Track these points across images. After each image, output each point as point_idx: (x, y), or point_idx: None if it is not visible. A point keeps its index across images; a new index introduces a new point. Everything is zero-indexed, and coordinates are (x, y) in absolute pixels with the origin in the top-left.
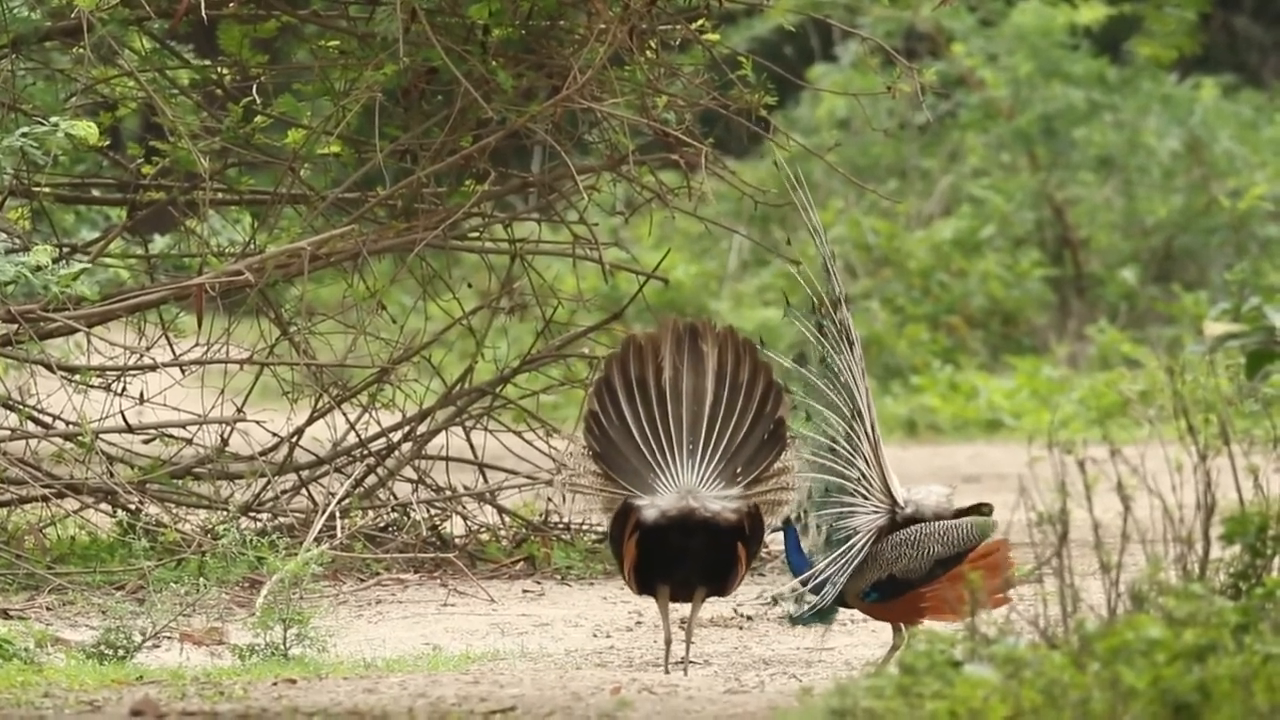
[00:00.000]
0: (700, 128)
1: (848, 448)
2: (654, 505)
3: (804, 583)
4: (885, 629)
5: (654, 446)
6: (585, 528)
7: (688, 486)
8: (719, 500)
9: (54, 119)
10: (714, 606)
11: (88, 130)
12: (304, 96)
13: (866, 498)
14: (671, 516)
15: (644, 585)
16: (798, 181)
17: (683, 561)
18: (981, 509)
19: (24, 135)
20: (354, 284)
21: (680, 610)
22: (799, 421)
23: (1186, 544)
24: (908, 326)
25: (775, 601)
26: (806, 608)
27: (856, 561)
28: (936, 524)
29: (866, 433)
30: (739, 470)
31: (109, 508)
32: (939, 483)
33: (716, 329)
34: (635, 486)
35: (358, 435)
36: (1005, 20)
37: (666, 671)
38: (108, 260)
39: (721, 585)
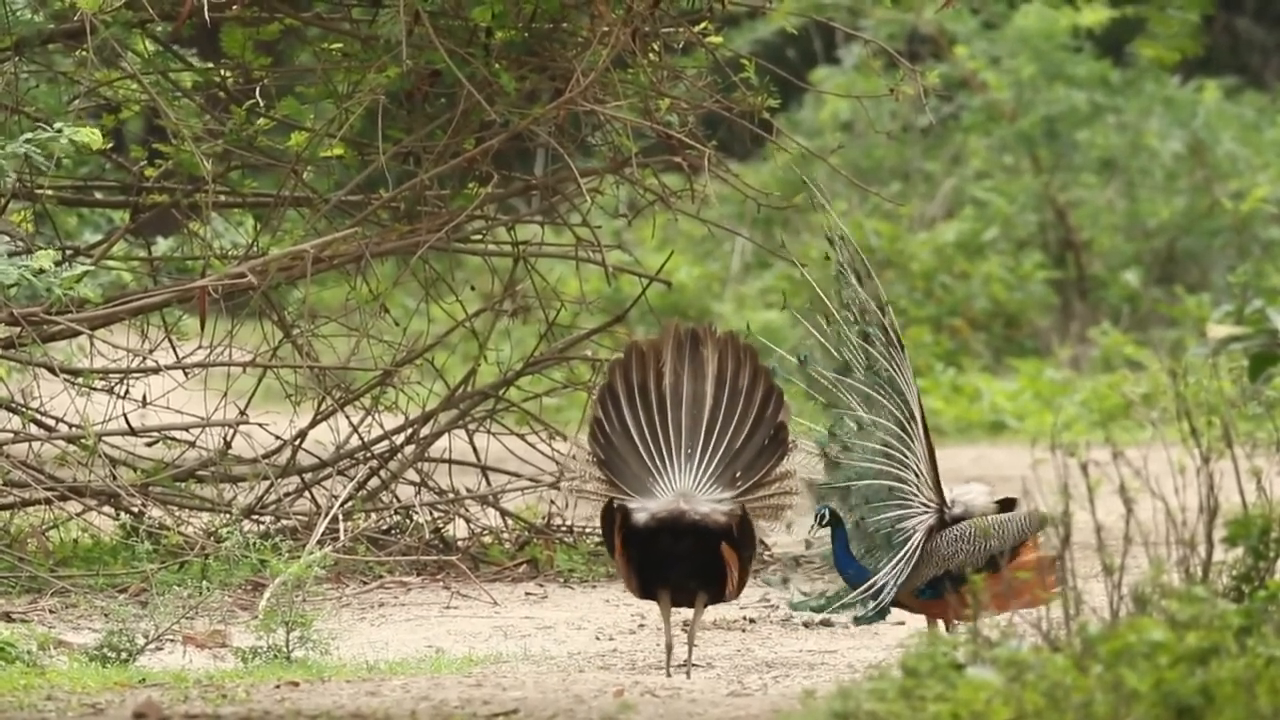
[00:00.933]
0: (703, 130)
1: (902, 450)
2: (644, 508)
3: (866, 590)
4: (889, 631)
5: (653, 451)
6: (588, 531)
7: (684, 490)
8: (710, 503)
9: (58, 125)
10: (717, 609)
11: (91, 137)
12: (307, 99)
13: (918, 497)
14: (661, 519)
15: (645, 589)
16: (819, 190)
17: (675, 564)
18: (1006, 504)
19: (28, 141)
20: (357, 287)
21: (683, 614)
22: (843, 428)
23: (1189, 546)
24: (911, 329)
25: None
26: (870, 608)
27: (915, 560)
28: (991, 520)
29: (920, 435)
30: (738, 474)
31: (112, 510)
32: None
33: (717, 334)
34: (636, 491)
35: (360, 438)
36: (1008, 23)
37: (668, 674)
38: (110, 263)
39: (719, 589)
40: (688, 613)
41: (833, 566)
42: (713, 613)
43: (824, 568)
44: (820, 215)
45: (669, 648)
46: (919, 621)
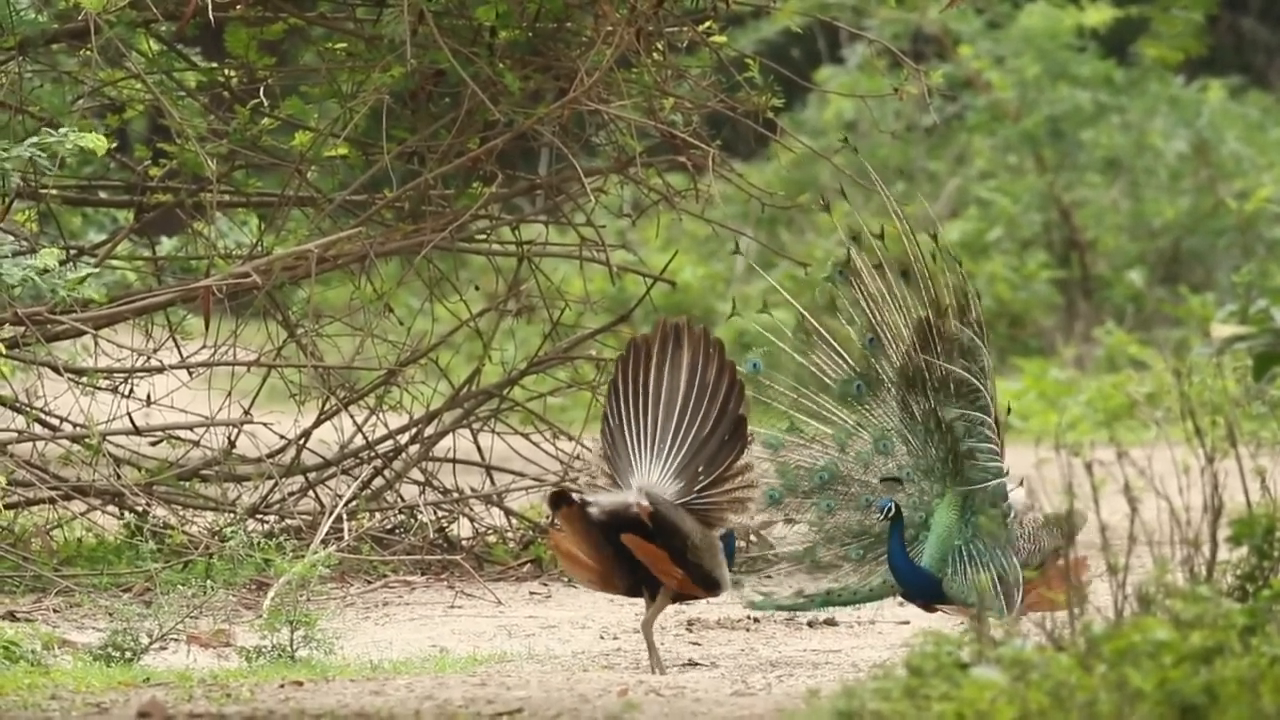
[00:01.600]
0: (707, 130)
1: (996, 440)
2: (596, 503)
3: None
4: (894, 631)
5: (634, 445)
6: None
7: (648, 483)
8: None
9: (63, 129)
10: (721, 608)
11: (97, 143)
12: (311, 99)
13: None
14: (609, 513)
15: (629, 587)
16: (882, 190)
17: (625, 559)
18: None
19: (33, 145)
20: (361, 286)
21: (686, 612)
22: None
23: (1193, 546)
24: None
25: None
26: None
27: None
28: (1041, 518)
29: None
30: (701, 469)
31: (116, 510)
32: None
33: (693, 329)
34: (624, 484)
35: (365, 437)
36: (1012, 22)
37: (652, 672)
38: (115, 262)
39: (680, 584)
40: (692, 610)
41: (887, 562)
42: (716, 611)
43: (787, 568)
44: (826, 215)
45: (650, 647)
46: (924, 621)
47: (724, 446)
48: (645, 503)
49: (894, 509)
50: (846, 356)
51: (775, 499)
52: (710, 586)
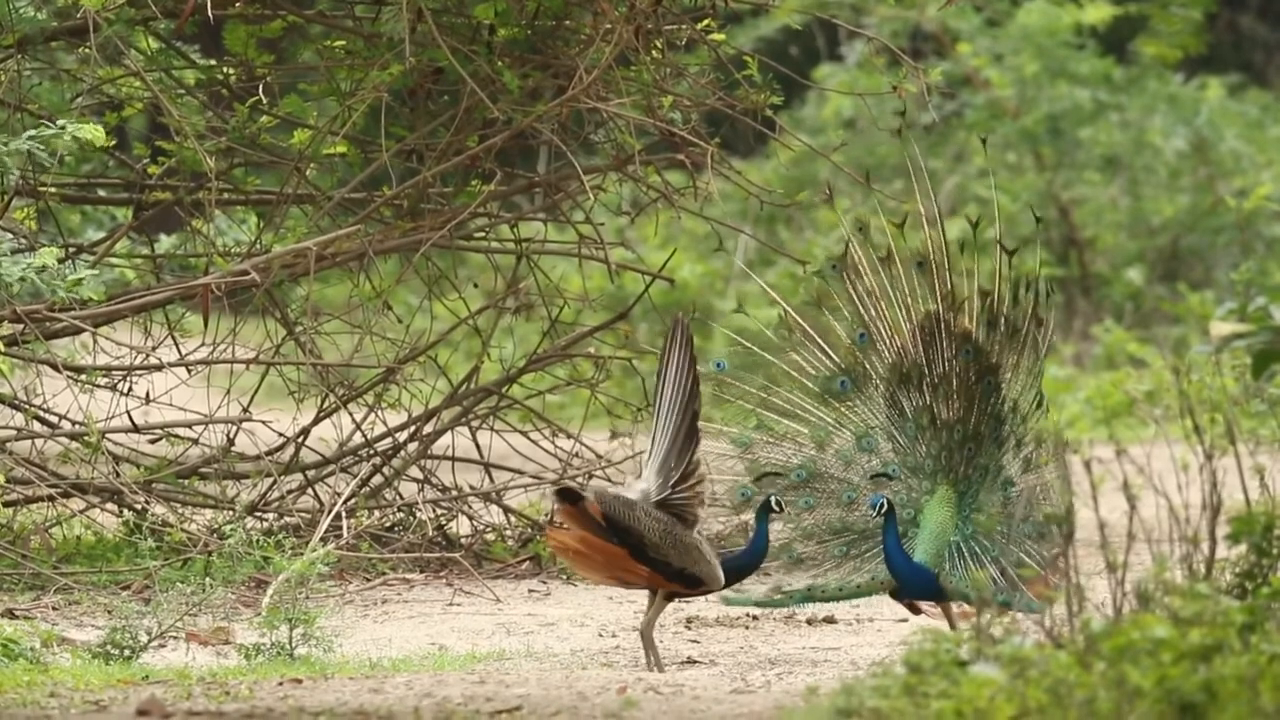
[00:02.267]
0: (706, 127)
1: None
2: (592, 498)
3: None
4: (893, 628)
5: (649, 439)
6: None
7: (642, 479)
8: (637, 492)
9: (61, 122)
10: (721, 605)
11: (95, 134)
12: (310, 96)
13: None
14: (598, 508)
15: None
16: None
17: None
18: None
19: (31, 138)
20: (360, 284)
21: (686, 609)
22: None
23: (1192, 543)
24: None
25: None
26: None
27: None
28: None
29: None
30: (673, 463)
31: (115, 507)
32: None
33: (682, 322)
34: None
35: (364, 435)
36: (1011, 20)
37: (650, 670)
38: (114, 260)
39: (658, 581)
40: (690, 608)
41: (882, 557)
42: (715, 609)
43: (775, 565)
44: (826, 213)
45: (650, 648)
46: (922, 619)
47: (687, 440)
48: (595, 502)
49: (886, 505)
50: (831, 353)
51: (747, 497)
52: (691, 583)
